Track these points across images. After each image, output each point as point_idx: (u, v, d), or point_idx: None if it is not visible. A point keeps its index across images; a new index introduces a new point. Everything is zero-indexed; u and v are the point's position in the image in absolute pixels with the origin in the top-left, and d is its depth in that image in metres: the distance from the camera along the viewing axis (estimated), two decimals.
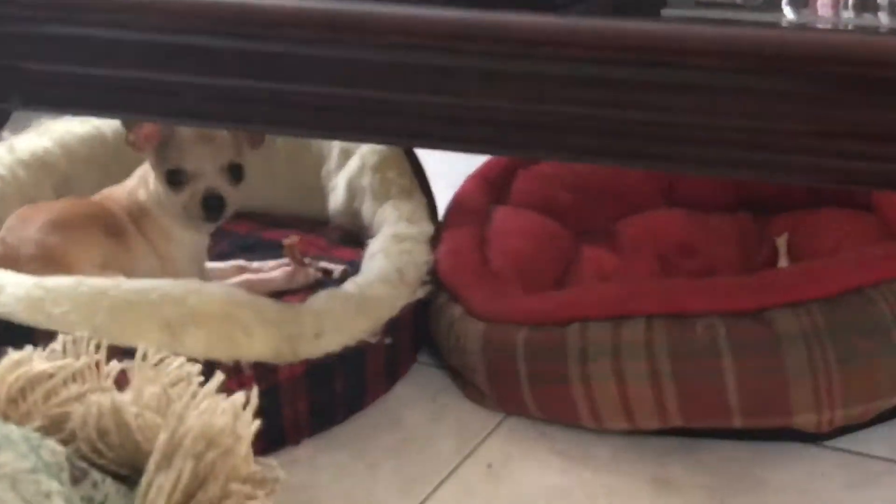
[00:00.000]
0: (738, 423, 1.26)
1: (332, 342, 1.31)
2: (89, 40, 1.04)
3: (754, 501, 1.24)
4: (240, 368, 1.28)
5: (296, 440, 1.34)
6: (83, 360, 0.78)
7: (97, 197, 1.49)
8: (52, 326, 1.24)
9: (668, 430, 1.30)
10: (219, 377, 0.77)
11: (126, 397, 0.74)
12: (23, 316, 1.26)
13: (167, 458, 0.71)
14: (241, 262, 1.52)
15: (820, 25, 0.95)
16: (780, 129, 0.89)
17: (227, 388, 1.12)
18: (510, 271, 1.46)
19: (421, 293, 1.42)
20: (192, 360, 1.13)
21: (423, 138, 1.08)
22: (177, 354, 1.09)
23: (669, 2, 0.98)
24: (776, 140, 0.89)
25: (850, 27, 0.96)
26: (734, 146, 0.91)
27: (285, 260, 1.52)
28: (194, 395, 0.75)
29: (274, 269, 1.51)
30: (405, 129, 1.06)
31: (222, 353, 1.26)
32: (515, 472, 1.29)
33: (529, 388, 1.32)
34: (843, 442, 1.29)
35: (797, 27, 0.95)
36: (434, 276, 1.44)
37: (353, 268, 1.47)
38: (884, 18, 0.95)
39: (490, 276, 1.44)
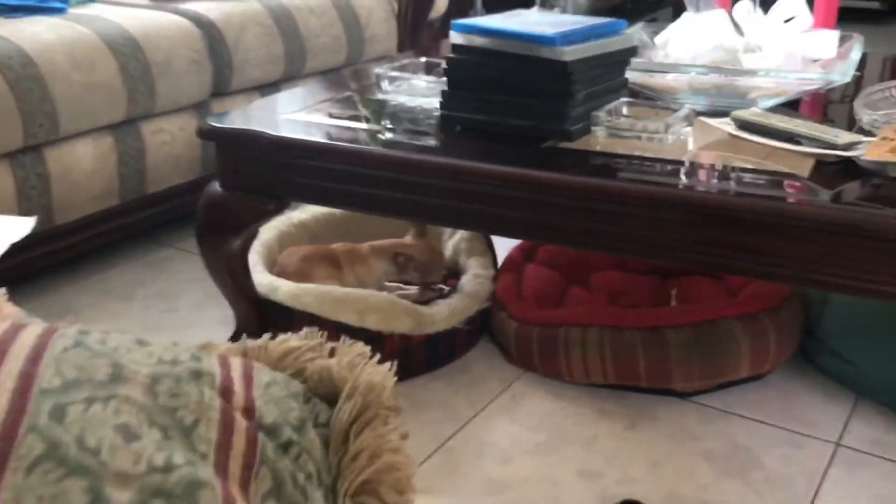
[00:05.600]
0: (644, 383, 1.51)
1: (440, 325, 1.64)
2: (330, 170, 1.29)
3: (652, 426, 1.45)
4: (393, 336, 1.60)
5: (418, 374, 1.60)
6: (316, 340, 0.81)
7: (335, 246, 1.77)
8: (304, 309, 1.58)
9: (608, 385, 1.56)
10: (377, 356, 0.80)
11: (333, 362, 0.78)
12: (289, 303, 1.60)
13: (349, 396, 0.74)
14: (401, 284, 1.79)
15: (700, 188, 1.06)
16: (678, 238, 1.08)
17: (391, 348, 1.48)
18: (532, 298, 1.73)
19: (486, 304, 1.73)
20: (376, 332, 1.53)
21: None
22: (363, 327, 1.53)
23: None
24: (674, 244, 1.07)
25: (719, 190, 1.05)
26: (649, 245, 1.09)
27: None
28: (366, 363, 0.78)
29: (414, 290, 1.79)
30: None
31: (385, 327, 1.58)
32: (528, 400, 1.51)
33: (538, 358, 1.60)
34: (699, 399, 1.53)
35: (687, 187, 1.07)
36: (493, 296, 1.73)
37: (455, 289, 1.76)
38: (732, 184, 1.07)
39: (521, 299, 1.71)
